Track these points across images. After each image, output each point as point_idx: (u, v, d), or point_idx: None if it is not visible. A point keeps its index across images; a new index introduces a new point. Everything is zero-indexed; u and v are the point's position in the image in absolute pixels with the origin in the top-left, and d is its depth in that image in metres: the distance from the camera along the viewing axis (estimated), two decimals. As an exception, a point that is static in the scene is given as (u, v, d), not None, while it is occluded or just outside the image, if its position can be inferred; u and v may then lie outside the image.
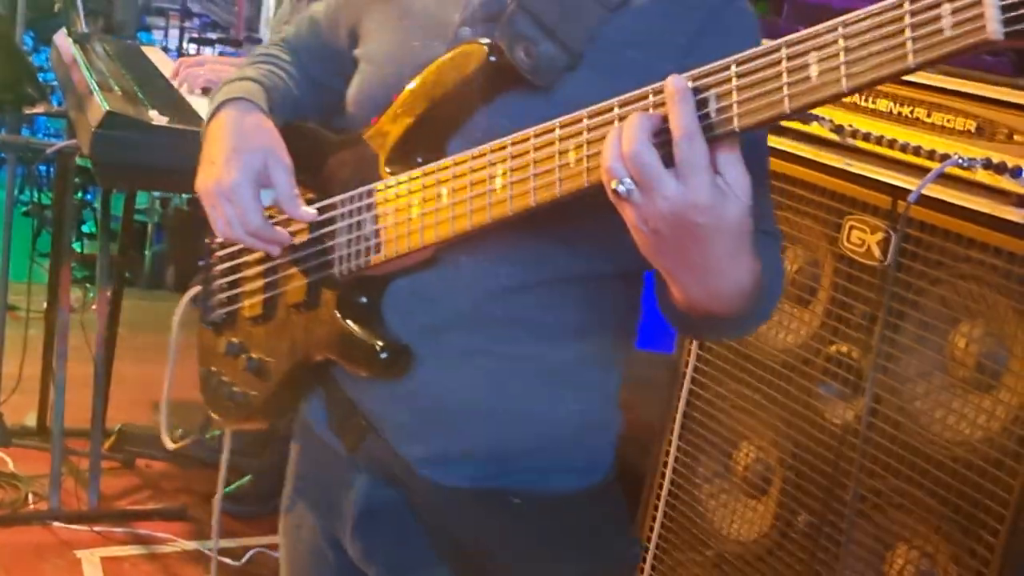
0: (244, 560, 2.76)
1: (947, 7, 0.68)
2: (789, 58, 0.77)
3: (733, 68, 0.80)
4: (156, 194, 4.96)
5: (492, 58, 1.01)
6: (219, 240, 1.24)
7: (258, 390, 1.20)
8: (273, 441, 3.06)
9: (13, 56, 2.66)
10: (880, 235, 1.76)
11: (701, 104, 0.81)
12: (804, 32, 0.76)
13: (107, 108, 2.26)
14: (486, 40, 1.02)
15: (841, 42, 0.74)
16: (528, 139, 0.92)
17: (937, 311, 1.69)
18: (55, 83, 3.81)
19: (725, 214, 0.81)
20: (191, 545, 2.78)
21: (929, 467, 1.67)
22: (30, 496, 2.84)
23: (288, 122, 1.19)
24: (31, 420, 3.18)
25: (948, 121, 1.64)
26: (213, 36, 5.98)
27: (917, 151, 1.68)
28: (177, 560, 2.73)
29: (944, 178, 1.63)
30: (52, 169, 3.53)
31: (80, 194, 4.87)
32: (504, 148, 0.94)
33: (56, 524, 2.75)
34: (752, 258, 0.88)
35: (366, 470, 1.14)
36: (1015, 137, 1.55)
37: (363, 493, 1.14)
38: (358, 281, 1.09)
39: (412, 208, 1.02)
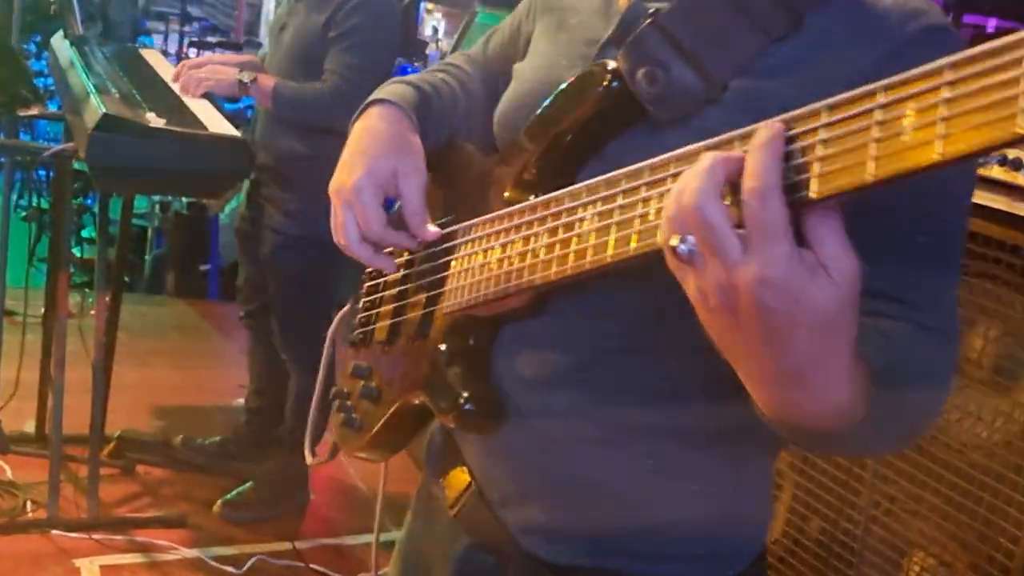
0: (245, 568, 2.72)
1: None
2: (884, 107, 0.59)
3: (823, 116, 0.63)
4: (156, 198, 4.93)
5: (615, 83, 0.88)
6: None
7: (370, 420, 1.11)
8: (273, 447, 3.03)
9: (7, 57, 2.63)
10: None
11: (787, 157, 0.64)
12: (911, 73, 0.59)
13: (104, 110, 2.23)
14: (611, 63, 0.88)
15: (944, 91, 0.56)
16: (620, 182, 0.79)
17: (952, 311, 1.66)
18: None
19: (808, 300, 0.63)
20: (191, 553, 2.74)
21: (946, 472, 1.63)
22: (28, 504, 2.80)
23: (449, 138, 1.13)
24: (30, 427, 3.14)
25: (962, 117, 1.61)
26: (213, 40, 5.98)
27: (930, 148, 1.64)
28: (177, 568, 2.69)
29: (958, 175, 1.59)
30: (51, 173, 3.50)
31: (79, 199, 4.86)
32: (598, 190, 0.81)
33: (55, 532, 2.70)
34: (853, 367, 0.69)
35: (467, 531, 1.04)
36: (1032, 133, 1.52)
37: (461, 557, 1.05)
38: (466, 319, 0.98)
39: (514, 246, 0.91)
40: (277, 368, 3.01)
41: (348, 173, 1.01)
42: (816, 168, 0.62)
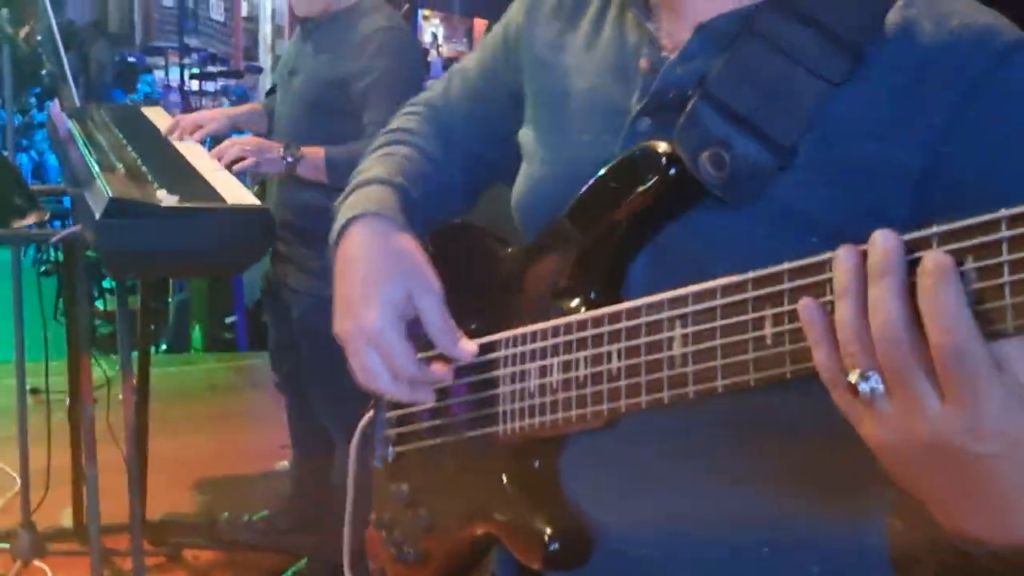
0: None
1: None
2: None
3: (1004, 229, 0.52)
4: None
5: (672, 170, 0.79)
6: None
7: (427, 554, 1.00)
8: (329, 515, 2.85)
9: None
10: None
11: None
12: None
13: (111, 195, 2.05)
14: (664, 146, 0.79)
15: None
16: (714, 295, 0.69)
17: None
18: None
19: None
20: (250, 646, 2.58)
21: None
22: (73, 610, 2.64)
23: (443, 223, 1.04)
24: (67, 518, 2.99)
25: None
26: (214, 69, 5.81)
27: None
28: (237, 664, 2.53)
29: None
30: (67, 222, 3.33)
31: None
32: (684, 303, 0.71)
33: (102, 641, 2.55)
34: None
35: None
36: None
37: None
38: (528, 442, 0.88)
39: (579, 366, 0.81)
40: (320, 432, 2.83)
41: (359, 312, 0.92)
42: (1008, 296, 0.52)
